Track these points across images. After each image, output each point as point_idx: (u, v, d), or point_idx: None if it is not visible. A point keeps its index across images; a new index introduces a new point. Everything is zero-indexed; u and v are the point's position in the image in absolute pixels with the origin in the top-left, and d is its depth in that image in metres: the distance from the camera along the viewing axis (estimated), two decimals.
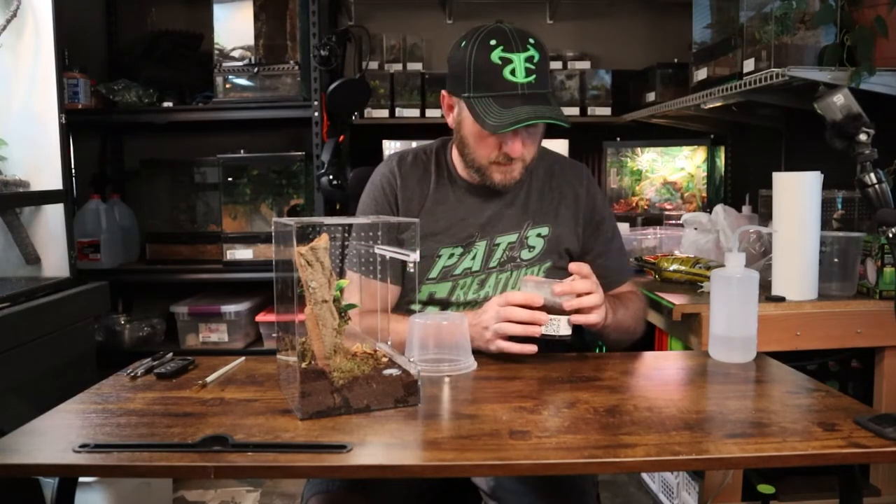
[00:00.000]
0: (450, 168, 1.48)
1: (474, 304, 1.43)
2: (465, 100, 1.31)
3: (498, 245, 1.44)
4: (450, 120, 1.41)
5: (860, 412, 0.99)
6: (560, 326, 1.23)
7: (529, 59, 1.28)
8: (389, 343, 1.17)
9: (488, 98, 1.28)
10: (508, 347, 1.24)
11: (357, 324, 1.25)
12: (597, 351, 1.55)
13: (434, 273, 1.42)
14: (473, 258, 1.43)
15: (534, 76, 1.27)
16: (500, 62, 1.27)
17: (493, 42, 1.28)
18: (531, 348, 1.23)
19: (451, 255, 1.43)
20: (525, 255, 1.45)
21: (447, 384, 1.17)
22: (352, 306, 1.10)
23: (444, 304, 1.44)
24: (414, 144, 1.59)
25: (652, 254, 2.41)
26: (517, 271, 1.44)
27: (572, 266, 1.25)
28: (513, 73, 1.27)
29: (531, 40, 1.30)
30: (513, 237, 1.44)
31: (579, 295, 1.23)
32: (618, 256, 1.52)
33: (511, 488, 1.22)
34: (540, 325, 1.22)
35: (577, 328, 1.62)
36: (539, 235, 1.45)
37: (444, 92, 1.40)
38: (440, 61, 2.89)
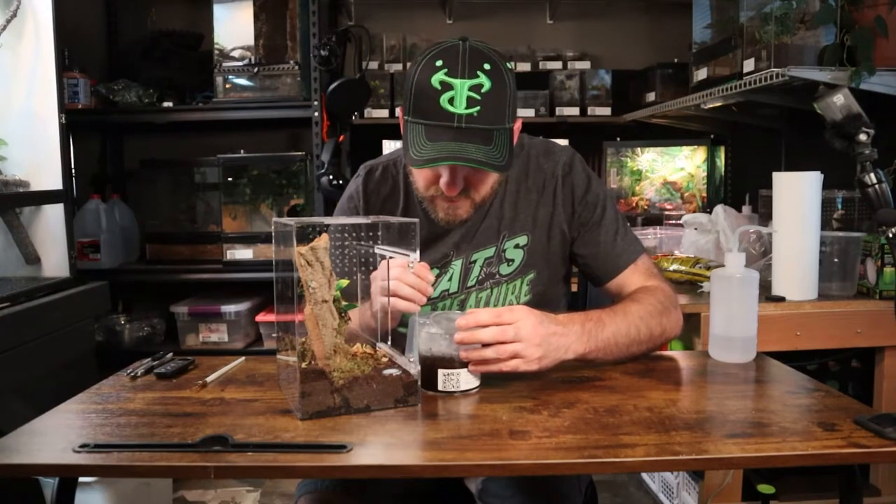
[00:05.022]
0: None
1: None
2: (405, 122, 1.20)
3: (474, 262, 1.35)
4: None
5: (860, 412, 0.99)
6: (460, 380, 1.09)
7: (476, 88, 1.13)
8: (389, 343, 1.17)
9: (420, 125, 1.15)
10: (395, 304, 1.12)
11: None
12: None
13: None
14: (450, 279, 1.36)
15: (476, 108, 1.13)
16: (439, 87, 1.13)
17: (438, 63, 1.14)
18: (415, 307, 1.13)
19: None
20: (504, 269, 1.36)
21: None
22: (352, 306, 1.10)
23: None
24: None
25: (652, 254, 2.41)
26: (497, 288, 1.36)
27: (459, 322, 1.08)
28: (451, 101, 1.13)
29: (487, 66, 1.14)
30: (490, 252, 1.35)
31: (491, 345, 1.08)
32: (611, 240, 1.34)
33: (497, 493, 1.19)
34: (425, 294, 1.13)
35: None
36: (517, 246, 1.35)
37: (398, 109, 1.29)
38: None
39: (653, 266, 1.38)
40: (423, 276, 1.15)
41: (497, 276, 1.36)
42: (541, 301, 1.35)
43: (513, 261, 1.36)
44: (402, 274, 1.13)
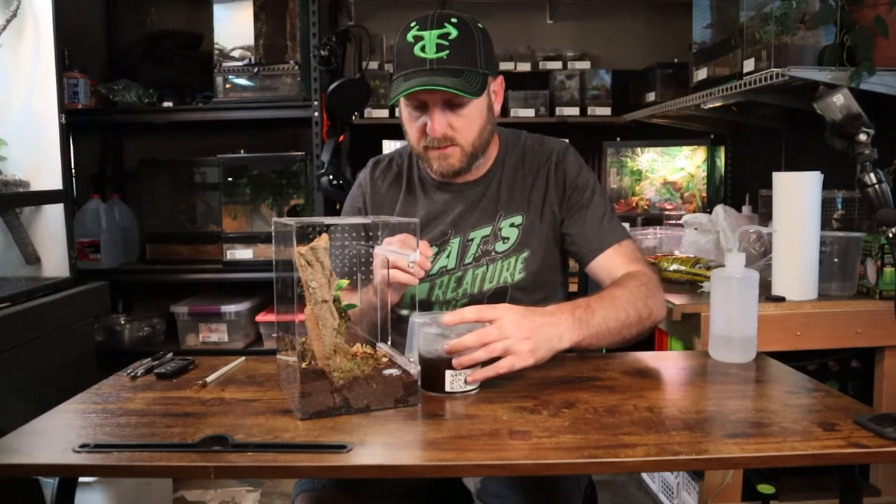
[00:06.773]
0: (420, 169, 1.48)
1: (453, 304, 1.41)
2: (392, 83, 1.34)
3: (472, 240, 1.42)
4: None
5: (860, 412, 0.99)
6: (460, 381, 1.10)
7: (443, 36, 1.27)
8: (389, 343, 1.17)
9: (401, 77, 1.29)
10: (395, 275, 1.20)
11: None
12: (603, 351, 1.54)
13: None
14: (448, 256, 1.42)
15: (445, 52, 1.26)
16: (412, 41, 1.28)
17: (412, 24, 1.30)
18: (414, 280, 1.21)
19: None
20: (499, 247, 1.42)
21: None
22: (352, 306, 1.10)
23: (424, 306, 1.42)
24: None
25: (652, 254, 2.41)
26: (492, 265, 1.41)
27: (445, 318, 1.10)
28: (423, 49, 1.27)
29: (453, 20, 1.29)
30: (486, 230, 1.41)
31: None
32: (597, 221, 1.40)
33: (496, 492, 1.20)
34: (423, 268, 1.22)
35: None
36: (513, 225, 1.42)
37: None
38: None
39: (637, 252, 1.42)
40: (422, 250, 1.21)
41: (493, 254, 1.42)
42: (534, 281, 1.41)
43: (508, 238, 1.42)
44: (402, 248, 1.20)
